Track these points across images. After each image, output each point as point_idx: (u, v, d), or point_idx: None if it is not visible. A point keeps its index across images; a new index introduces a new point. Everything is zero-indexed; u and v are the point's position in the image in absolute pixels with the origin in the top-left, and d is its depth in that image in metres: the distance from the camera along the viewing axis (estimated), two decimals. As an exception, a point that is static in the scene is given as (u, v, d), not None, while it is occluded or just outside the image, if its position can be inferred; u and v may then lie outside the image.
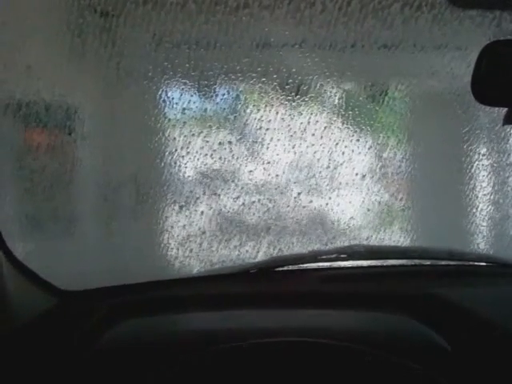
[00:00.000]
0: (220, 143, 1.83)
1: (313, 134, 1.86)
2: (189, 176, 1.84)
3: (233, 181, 1.87)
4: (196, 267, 1.78)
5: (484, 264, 1.77)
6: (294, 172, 1.89)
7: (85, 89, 1.77)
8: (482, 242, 2.03)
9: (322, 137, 1.87)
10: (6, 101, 1.62)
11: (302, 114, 1.84)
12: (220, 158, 1.84)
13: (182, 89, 1.79)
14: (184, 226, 1.82)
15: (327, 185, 1.91)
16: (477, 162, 1.98)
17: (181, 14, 1.68)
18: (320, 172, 1.90)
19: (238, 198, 1.87)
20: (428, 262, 1.73)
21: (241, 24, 1.71)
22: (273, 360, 1.29)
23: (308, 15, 1.71)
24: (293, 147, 1.87)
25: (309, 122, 1.85)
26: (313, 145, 1.87)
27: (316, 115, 1.86)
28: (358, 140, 1.90)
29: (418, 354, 1.34)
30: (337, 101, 1.89)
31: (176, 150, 1.80)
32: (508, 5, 1.55)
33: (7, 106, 1.63)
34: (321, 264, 1.68)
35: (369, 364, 1.30)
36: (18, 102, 1.63)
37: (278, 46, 1.80)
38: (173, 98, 1.80)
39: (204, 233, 1.83)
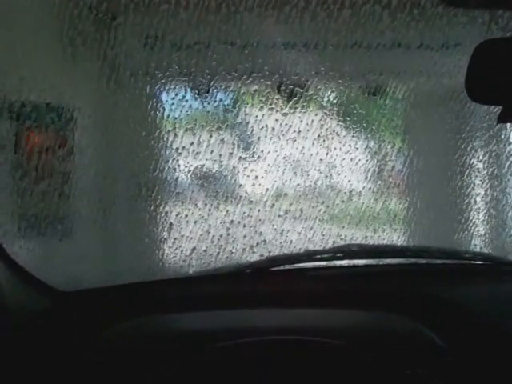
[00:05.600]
0: (211, 152, 1.84)
1: (305, 137, 1.87)
2: (183, 180, 1.85)
3: (225, 189, 1.89)
4: (192, 267, 1.78)
5: (480, 263, 1.78)
6: (289, 177, 1.90)
7: (77, 96, 1.77)
8: (478, 241, 2.04)
9: (314, 143, 1.88)
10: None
11: (294, 121, 1.85)
12: (211, 168, 1.85)
13: (173, 98, 1.80)
14: (179, 227, 1.82)
15: (323, 189, 1.92)
16: (474, 162, 2.00)
17: (172, 19, 1.69)
18: (314, 175, 1.91)
19: (231, 203, 1.88)
20: (424, 261, 1.74)
21: (233, 29, 1.73)
22: (269, 358, 1.29)
23: (299, 20, 1.73)
24: (284, 157, 1.88)
25: (300, 131, 1.86)
26: (303, 153, 1.88)
27: (311, 119, 1.87)
28: (351, 143, 1.92)
29: (414, 352, 1.34)
30: (330, 106, 1.90)
31: (170, 153, 1.81)
32: (502, 4, 1.56)
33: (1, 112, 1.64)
34: (316, 263, 1.68)
35: (364, 363, 1.30)
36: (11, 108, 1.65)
37: (270, 49, 1.81)
38: (164, 109, 1.81)
39: (199, 235, 1.83)
